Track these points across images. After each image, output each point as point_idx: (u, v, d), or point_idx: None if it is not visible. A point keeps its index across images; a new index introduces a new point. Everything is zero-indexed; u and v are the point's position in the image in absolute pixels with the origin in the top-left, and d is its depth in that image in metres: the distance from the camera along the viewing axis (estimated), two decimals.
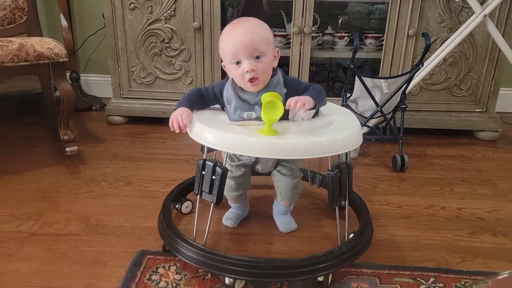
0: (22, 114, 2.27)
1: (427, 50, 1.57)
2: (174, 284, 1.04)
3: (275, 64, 1.07)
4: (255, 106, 1.04)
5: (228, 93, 1.06)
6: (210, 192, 1.01)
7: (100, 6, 2.04)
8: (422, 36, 1.60)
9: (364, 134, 1.54)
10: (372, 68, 2.28)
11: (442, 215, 1.39)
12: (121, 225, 1.29)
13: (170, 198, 1.30)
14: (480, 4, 1.77)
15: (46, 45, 1.52)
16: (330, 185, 1.04)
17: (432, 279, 1.08)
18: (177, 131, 1.03)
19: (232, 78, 1.08)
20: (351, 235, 1.14)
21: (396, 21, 1.90)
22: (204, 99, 1.11)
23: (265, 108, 0.93)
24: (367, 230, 1.15)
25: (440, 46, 1.88)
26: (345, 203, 1.15)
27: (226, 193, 1.20)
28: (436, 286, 1.06)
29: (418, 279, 1.08)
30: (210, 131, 0.99)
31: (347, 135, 1.01)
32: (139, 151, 1.84)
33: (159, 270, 1.08)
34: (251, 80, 1.01)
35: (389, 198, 1.49)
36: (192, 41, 2.00)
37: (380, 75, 1.97)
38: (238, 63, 1.02)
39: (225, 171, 1.00)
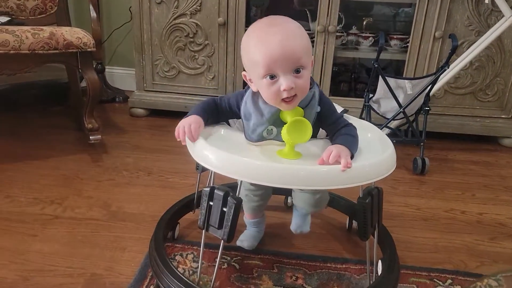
0: (48, 103, 2.33)
1: (454, 51, 1.55)
2: (191, 272, 1.05)
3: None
4: (276, 119, 0.88)
5: (247, 107, 0.89)
6: (220, 227, 0.84)
7: (127, 0, 2.08)
8: (449, 38, 1.58)
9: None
10: (396, 70, 2.25)
11: (462, 219, 1.37)
12: (141, 213, 1.31)
13: (162, 225, 1.13)
14: (510, 7, 1.73)
15: (76, 35, 1.56)
16: (362, 215, 0.90)
17: (449, 281, 1.07)
18: (183, 143, 0.89)
19: (251, 92, 0.89)
20: (379, 265, 1.04)
21: (422, 23, 1.88)
22: (219, 111, 0.94)
23: (290, 128, 0.80)
24: (394, 267, 1.02)
25: (467, 50, 1.85)
26: (375, 234, 0.99)
27: (245, 203, 1.06)
28: None
29: (435, 280, 1.07)
30: (216, 153, 0.81)
31: (383, 158, 0.86)
32: (160, 143, 1.87)
33: (176, 258, 1.10)
34: (287, 98, 0.82)
35: (408, 200, 1.48)
36: (216, 37, 2.02)
37: (405, 76, 1.95)
38: (272, 77, 0.81)
39: (239, 203, 0.83)
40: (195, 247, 1.13)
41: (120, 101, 2.41)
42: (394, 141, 1.65)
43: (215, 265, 1.06)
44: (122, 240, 1.17)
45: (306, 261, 1.11)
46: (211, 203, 0.85)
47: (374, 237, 0.99)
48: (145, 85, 2.16)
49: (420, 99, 1.67)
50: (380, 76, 1.63)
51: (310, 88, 0.87)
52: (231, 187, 0.89)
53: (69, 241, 1.16)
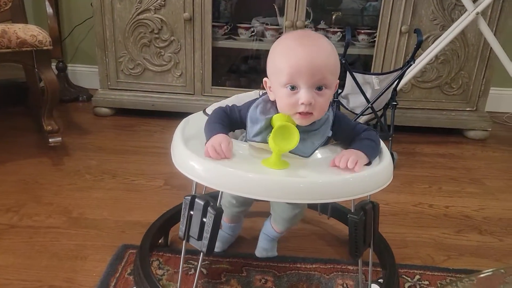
0: (6, 103, 2.21)
1: (419, 46, 1.55)
2: (156, 279, 1.01)
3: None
4: None
5: (256, 111, 0.84)
6: (200, 238, 0.80)
7: None
8: (414, 33, 1.58)
9: None
10: (364, 65, 2.26)
11: (429, 213, 1.38)
12: (104, 219, 1.26)
13: (149, 238, 1.05)
14: (472, 2, 1.76)
15: (30, 32, 1.48)
16: (353, 232, 0.82)
17: (417, 277, 1.07)
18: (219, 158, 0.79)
19: (268, 98, 0.86)
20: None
21: (389, 17, 1.89)
22: (231, 122, 0.87)
23: (276, 135, 0.75)
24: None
25: (432, 44, 1.87)
26: (370, 251, 0.91)
27: (226, 209, 1.01)
28: (422, 283, 1.05)
29: (404, 276, 1.07)
30: (197, 160, 0.77)
31: (379, 169, 0.80)
32: (125, 144, 1.80)
33: None
34: (304, 114, 0.79)
35: (377, 195, 1.45)
36: (182, 33, 1.96)
37: (372, 72, 1.96)
38: (293, 88, 0.78)
39: (219, 213, 0.79)
40: (160, 253, 1.09)
41: (83, 100, 2.32)
42: None
43: (184, 272, 1.03)
44: (83, 249, 1.12)
45: (276, 262, 1.09)
46: (191, 212, 0.81)
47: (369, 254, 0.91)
48: (109, 83, 2.08)
49: (388, 94, 1.67)
50: (347, 71, 1.62)
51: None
52: (214, 196, 0.83)
53: (26, 252, 1.09)
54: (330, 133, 0.84)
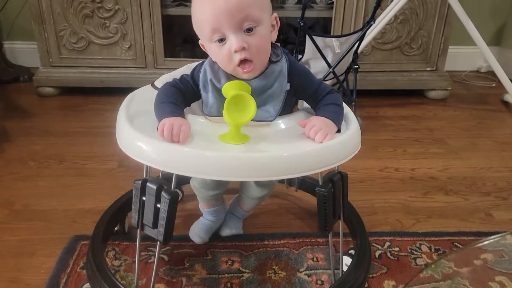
0: None
1: (378, 5, 1.49)
2: (113, 271, 0.92)
3: (274, 37, 0.76)
4: None
5: (206, 76, 0.77)
6: (155, 226, 0.73)
7: None
8: None
9: None
10: (323, 28, 2.18)
11: (396, 177, 1.36)
12: (52, 209, 1.15)
13: (102, 227, 0.95)
14: None
15: None
16: (322, 206, 0.77)
17: (387, 243, 1.05)
18: (167, 141, 0.69)
19: (211, 59, 0.78)
20: (347, 260, 0.91)
21: None
22: (185, 97, 0.78)
23: (229, 106, 0.66)
24: (365, 259, 0.89)
25: (391, 3, 1.81)
26: (340, 225, 0.87)
27: (198, 192, 0.93)
28: (392, 250, 1.03)
29: (374, 244, 1.04)
30: (147, 141, 0.68)
31: (345, 139, 0.73)
32: (73, 125, 1.66)
33: None
34: (243, 63, 0.71)
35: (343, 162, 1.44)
36: (128, 1, 1.80)
37: (332, 35, 1.89)
38: (221, 40, 0.71)
39: (174, 198, 0.71)
40: (116, 242, 1.01)
41: (25, 80, 2.12)
42: None
43: (139, 260, 0.95)
44: (29, 244, 1.02)
45: (242, 241, 1.03)
46: (144, 198, 0.73)
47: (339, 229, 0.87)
48: (51, 60, 1.90)
49: (349, 58, 1.61)
50: (307, 35, 1.54)
51: (277, 61, 0.76)
52: (167, 178, 0.76)
53: None
54: (288, 86, 0.76)
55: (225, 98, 0.69)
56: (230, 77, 0.75)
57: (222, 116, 0.73)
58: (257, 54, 0.71)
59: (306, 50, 1.62)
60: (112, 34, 1.87)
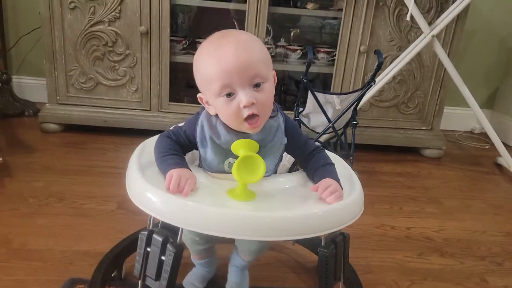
0: None
1: (379, 67, 1.56)
2: None
3: (273, 91, 0.78)
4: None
5: (203, 132, 0.78)
6: (158, 278, 0.72)
7: (37, 3, 1.87)
8: (375, 54, 1.60)
9: None
10: (323, 83, 2.27)
11: (392, 235, 1.38)
12: (49, 249, 1.15)
13: (100, 273, 0.96)
14: (428, 24, 1.81)
15: None
16: (324, 267, 0.77)
17: None
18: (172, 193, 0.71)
19: (207, 112, 0.79)
20: None
21: (348, 37, 1.90)
22: (182, 149, 0.80)
23: (240, 166, 0.68)
24: None
25: (390, 64, 1.90)
26: (339, 285, 0.86)
27: (189, 245, 0.93)
28: None
29: None
30: (157, 193, 0.70)
31: (351, 201, 0.75)
32: (75, 163, 1.68)
33: None
34: (250, 118, 0.72)
35: None
36: (139, 46, 1.88)
37: (331, 90, 1.96)
38: (229, 95, 0.72)
39: (179, 251, 0.71)
40: (112, 287, 1.00)
41: (30, 115, 2.16)
42: None
43: None
44: (25, 285, 1.00)
45: None
46: (148, 249, 0.73)
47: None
48: (58, 97, 1.95)
49: (348, 114, 1.67)
50: (309, 91, 1.60)
51: (274, 116, 0.78)
52: (171, 229, 0.75)
53: None
54: (285, 140, 0.79)
55: (225, 154, 0.72)
56: (230, 131, 0.76)
57: (221, 172, 0.77)
58: (263, 108, 0.73)
59: (307, 104, 1.67)
60: (121, 77, 1.93)
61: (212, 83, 0.72)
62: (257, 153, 0.72)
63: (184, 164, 0.76)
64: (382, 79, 1.86)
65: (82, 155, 1.77)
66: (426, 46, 1.83)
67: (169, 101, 1.97)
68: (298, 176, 0.82)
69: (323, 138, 1.78)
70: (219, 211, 0.67)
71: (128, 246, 1.04)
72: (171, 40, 1.88)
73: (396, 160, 2.01)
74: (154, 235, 0.72)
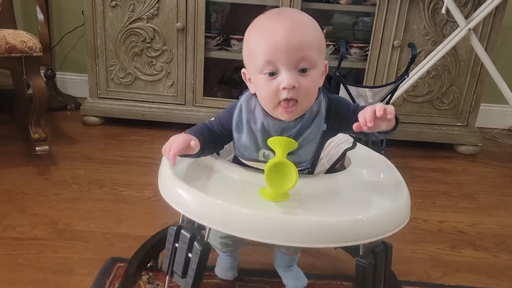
0: None
1: (413, 60, 1.56)
2: None
3: (321, 83, 0.73)
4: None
5: (241, 115, 0.75)
6: (184, 275, 0.71)
7: (80, 3, 1.97)
8: (409, 46, 1.59)
9: None
10: (356, 78, 2.26)
11: (424, 228, 1.37)
12: (91, 230, 1.21)
13: (136, 261, 0.98)
14: (464, 18, 1.78)
15: (20, 38, 1.44)
16: (361, 278, 0.70)
17: None
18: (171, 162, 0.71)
19: (248, 96, 0.75)
20: None
21: (381, 32, 1.90)
22: (214, 138, 0.77)
23: (270, 172, 0.64)
24: None
25: (424, 59, 1.88)
26: None
27: (213, 239, 0.89)
28: None
29: None
30: (187, 190, 0.68)
31: (397, 206, 0.69)
32: (114, 154, 1.76)
33: None
34: (287, 102, 0.68)
35: None
36: (175, 42, 1.94)
37: (365, 85, 1.96)
38: (272, 74, 0.68)
39: (206, 249, 0.69)
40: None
41: (72, 109, 2.27)
42: None
43: (171, 286, 0.99)
44: (69, 262, 1.07)
45: (269, 277, 1.05)
46: (176, 244, 0.72)
47: None
48: (99, 92, 2.04)
49: None
50: (341, 84, 1.62)
51: (316, 101, 0.72)
52: (201, 226, 0.74)
53: (8, 264, 1.04)
54: (324, 127, 0.73)
55: (260, 143, 0.70)
56: (267, 117, 0.72)
57: (255, 160, 0.74)
58: (304, 96, 0.69)
59: None
60: (157, 72, 2.00)
61: (257, 58, 0.68)
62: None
63: (194, 134, 0.72)
64: (416, 74, 1.84)
65: (120, 146, 1.85)
66: (462, 40, 1.81)
67: (203, 96, 2.03)
68: (336, 178, 0.76)
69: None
70: (248, 212, 0.64)
71: (163, 238, 1.06)
72: (205, 37, 1.94)
73: (430, 156, 1.98)
74: (182, 231, 0.71)
